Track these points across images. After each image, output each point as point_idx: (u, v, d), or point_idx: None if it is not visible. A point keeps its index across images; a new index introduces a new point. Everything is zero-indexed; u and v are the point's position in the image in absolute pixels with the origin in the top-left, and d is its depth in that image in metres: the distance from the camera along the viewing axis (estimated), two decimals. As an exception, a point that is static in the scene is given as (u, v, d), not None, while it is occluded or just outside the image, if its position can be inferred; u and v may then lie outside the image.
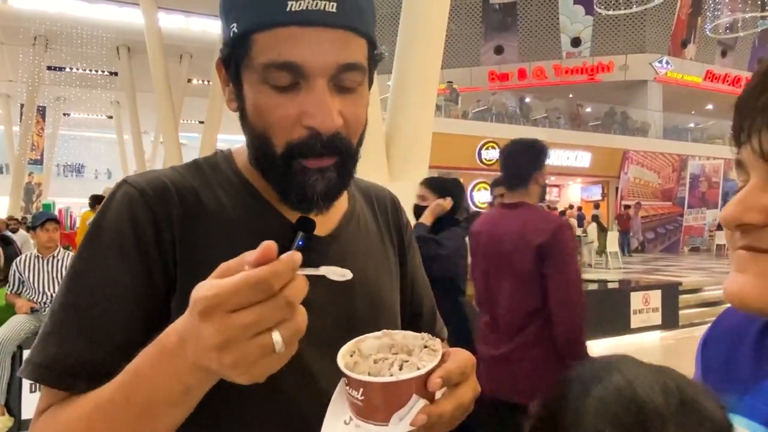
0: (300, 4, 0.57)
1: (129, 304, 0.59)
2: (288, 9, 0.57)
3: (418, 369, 0.50)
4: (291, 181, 0.62)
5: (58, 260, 3.84)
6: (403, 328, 0.77)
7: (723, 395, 0.48)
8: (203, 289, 0.43)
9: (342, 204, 0.75)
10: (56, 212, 11.33)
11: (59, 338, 0.58)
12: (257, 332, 0.43)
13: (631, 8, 15.22)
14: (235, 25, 0.60)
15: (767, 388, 0.48)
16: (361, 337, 0.57)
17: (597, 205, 16.43)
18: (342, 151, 0.62)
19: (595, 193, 18.41)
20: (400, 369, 0.51)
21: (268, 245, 0.43)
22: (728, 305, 0.53)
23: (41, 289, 3.77)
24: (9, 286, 3.87)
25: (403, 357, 0.53)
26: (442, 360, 0.54)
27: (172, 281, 0.62)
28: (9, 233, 7.45)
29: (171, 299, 0.62)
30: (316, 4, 0.58)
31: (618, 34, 18.04)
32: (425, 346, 0.55)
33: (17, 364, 3.43)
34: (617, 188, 16.75)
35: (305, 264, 0.47)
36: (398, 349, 0.55)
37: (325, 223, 0.70)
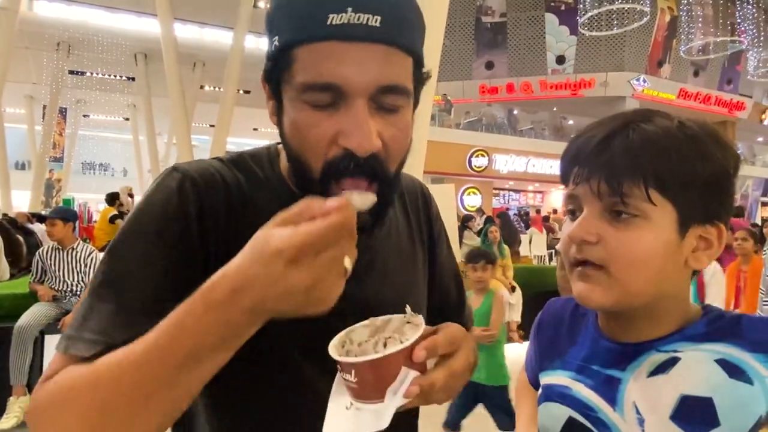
0: (342, 17, 0.50)
1: (164, 290, 0.53)
2: (329, 22, 0.50)
3: (401, 343, 0.50)
4: None
5: (77, 252, 3.83)
6: (430, 319, 0.75)
7: (550, 359, 0.71)
8: (283, 239, 0.41)
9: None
10: (76, 207, 11.24)
11: (96, 315, 0.53)
12: (339, 264, 0.43)
13: (612, 30, 15.29)
14: (276, 38, 0.54)
15: (573, 353, 0.68)
16: (350, 327, 0.56)
17: (577, 211, 16.45)
18: (378, 174, 0.55)
19: (576, 199, 18.42)
20: (385, 346, 0.50)
21: (341, 199, 0.44)
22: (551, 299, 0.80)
23: (62, 278, 3.76)
24: (32, 275, 3.85)
25: (385, 335, 0.53)
26: (432, 333, 0.53)
27: (209, 272, 0.58)
28: (30, 225, 7.41)
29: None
30: (359, 17, 0.50)
31: (599, 54, 18.11)
32: (408, 322, 0.55)
33: (39, 348, 3.42)
34: (596, 195, 16.76)
35: None
36: (384, 331, 0.55)
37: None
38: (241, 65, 13.01)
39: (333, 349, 0.52)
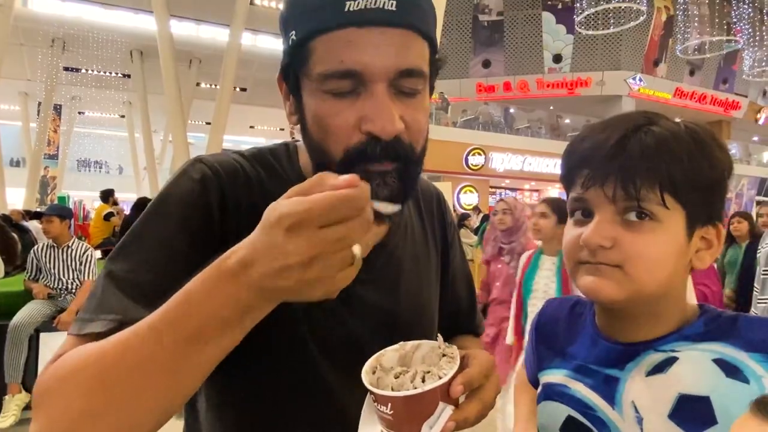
0: (358, 3, 0.51)
1: (182, 274, 0.50)
2: (346, 9, 0.51)
3: (440, 378, 0.49)
4: None
5: (72, 249, 3.81)
6: (442, 323, 0.77)
7: (549, 358, 0.72)
8: (288, 206, 0.39)
9: None
10: (71, 205, 11.18)
11: (112, 296, 0.52)
12: (343, 247, 0.40)
13: (608, 29, 15.32)
14: (293, 32, 0.55)
15: (572, 352, 0.69)
16: (380, 351, 0.55)
17: (573, 210, 16.47)
18: (402, 156, 0.55)
19: (572, 198, 18.44)
20: (423, 380, 0.49)
21: (354, 176, 0.40)
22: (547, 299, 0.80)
23: (58, 276, 3.74)
24: (27, 273, 3.83)
25: (424, 368, 0.52)
26: (463, 365, 0.53)
27: None
28: (24, 223, 7.36)
29: None
30: (375, 2, 0.51)
31: (596, 53, 18.14)
32: (443, 355, 0.54)
33: (34, 346, 3.41)
34: (592, 194, 16.79)
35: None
36: (417, 360, 0.54)
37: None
38: (238, 62, 12.96)
39: (365, 376, 0.51)
